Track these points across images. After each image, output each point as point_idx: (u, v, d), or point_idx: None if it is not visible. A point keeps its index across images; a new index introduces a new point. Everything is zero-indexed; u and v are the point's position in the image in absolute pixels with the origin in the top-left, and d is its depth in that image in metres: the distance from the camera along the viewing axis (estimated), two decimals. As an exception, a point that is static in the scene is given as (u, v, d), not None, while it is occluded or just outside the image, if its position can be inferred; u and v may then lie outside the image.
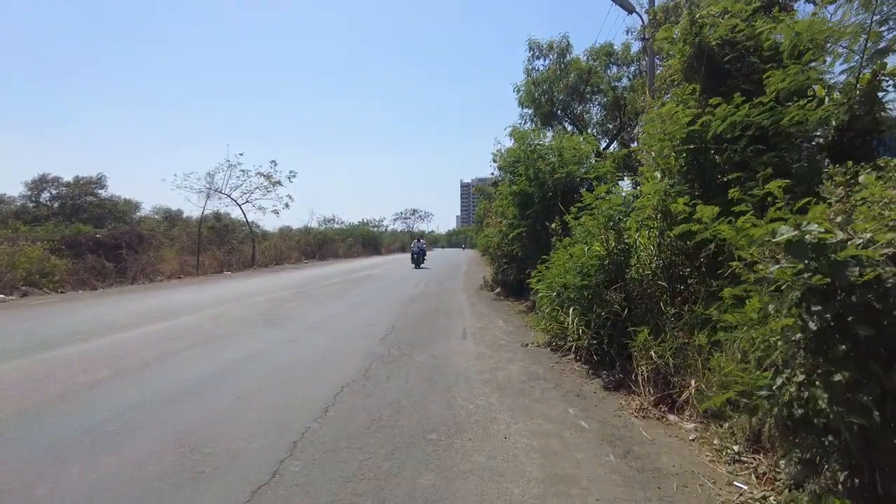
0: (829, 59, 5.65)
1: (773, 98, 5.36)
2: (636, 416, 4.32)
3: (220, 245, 27.37)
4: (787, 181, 3.43)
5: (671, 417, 4.28)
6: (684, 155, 5.92)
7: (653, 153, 6.30)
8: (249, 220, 32.33)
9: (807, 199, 3.19)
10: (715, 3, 6.58)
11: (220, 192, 26.20)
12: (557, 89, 16.29)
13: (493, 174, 27.81)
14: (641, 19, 11.78)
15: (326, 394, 4.62)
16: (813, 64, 5.51)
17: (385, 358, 6.05)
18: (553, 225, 8.72)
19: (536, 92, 16.32)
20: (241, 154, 27.11)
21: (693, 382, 4.30)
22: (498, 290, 13.98)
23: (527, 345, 6.94)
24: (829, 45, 5.59)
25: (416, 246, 26.50)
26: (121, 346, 6.54)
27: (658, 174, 5.94)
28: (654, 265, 5.92)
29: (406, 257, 41.94)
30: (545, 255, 10.59)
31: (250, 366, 5.59)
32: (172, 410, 4.19)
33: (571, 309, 6.09)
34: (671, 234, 5.71)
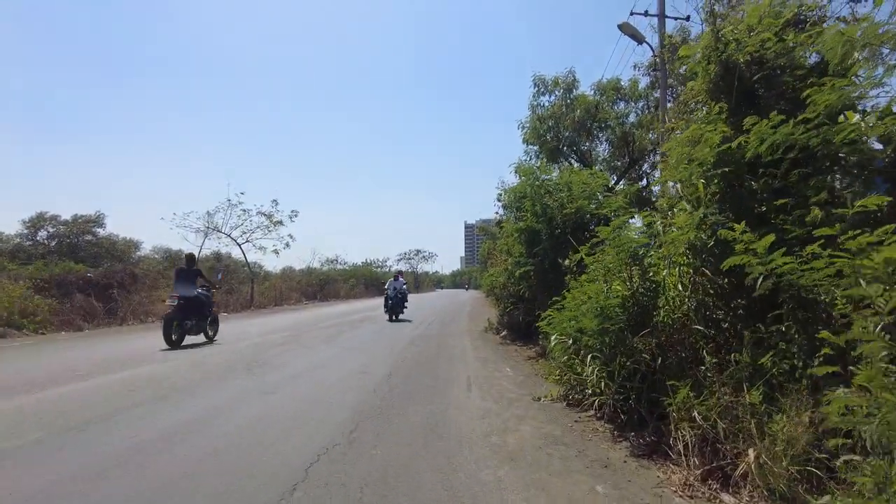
0: (880, 70, 5.01)
1: (818, 115, 4.68)
2: (681, 495, 3.46)
3: (225, 285, 26.69)
4: (888, 197, 2.69)
5: (726, 498, 3.41)
6: (716, 181, 5.22)
7: (677, 183, 5.59)
8: (250, 259, 31.81)
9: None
10: (736, 20, 5.97)
11: (219, 231, 25.68)
12: (564, 125, 15.83)
13: (497, 213, 27.26)
14: (652, 49, 11.37)
15: (297, 464, 3.76)
16: (862, 74, 4.87)
17: (375, 414, 5.20)
18: (566, 262, 7.95)
19: (542, 128, 15.86)
20: (243, 193, 26.75)
21: (751, 452, 3.46)
22: (504, 332, 13.13)
23: (539, 398, 6.08)
24: (885, 52, 4.94)
25: (393, 287, 18.16)
26: (68, 399, 5.70)
27: (687, 205, 5.21)
28: (685, 306, 5.13)
29: (410, 298, 41.30)
30: (555, 295, 9.79)
31: (208, 426, 4.73)
32: (84, 494, 3.32)
33: (590, 357, 5.26)
34: (706, 272, 4.96)
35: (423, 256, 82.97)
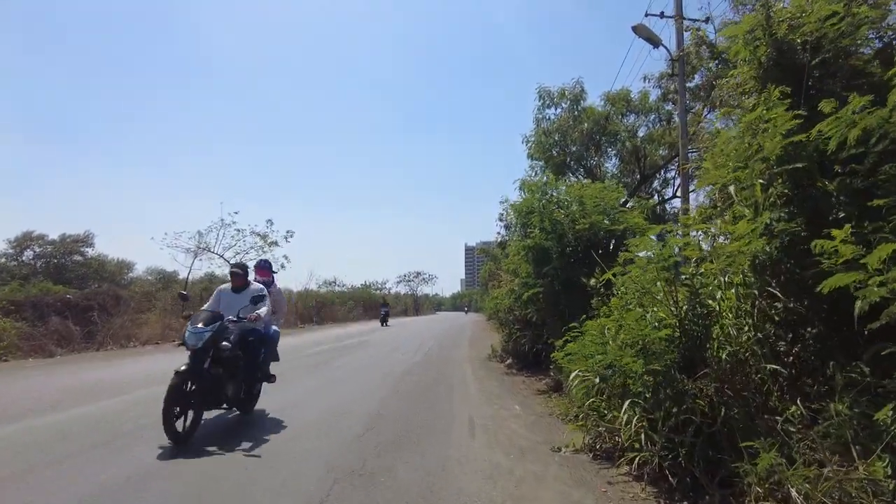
0: None
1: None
2: None
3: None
4: None
5: None
6: (780, 181, 4.22)
7: (727, 185, 4.57)
8: None
9: None
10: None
11: (211, 251, 24.65)
12: (571, 139, 14.94)
13: (499, 234, 26.31)
14: (668, 52, 10.52)
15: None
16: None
17: (354, 474, 4.09)
18: (591, 281, 6.91)
19: (548, 142, 14.96)
20: (237, 213, 25.73)
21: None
22: (509, 360, 12.02)
23: (559, 449, 4.96)
24: None
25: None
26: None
27: (746, 210, 4.19)
28: (744, 338, 4.08)
29: (406, 321, 40.16)
30: (568, 321, 8.74)
31: (128, 496, 3.65)
32: None
33: (628, 403, 4.18)
34: (775, 292, 3.93)
35: (423, 279, 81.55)
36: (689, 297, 4.16)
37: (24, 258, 26.96)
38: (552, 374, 9.30)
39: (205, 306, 6.15)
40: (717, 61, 10.02)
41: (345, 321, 39.92)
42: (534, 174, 15.58)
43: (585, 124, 14.67)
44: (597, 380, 4.81)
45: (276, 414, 6.14)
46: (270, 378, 6.64)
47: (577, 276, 9.06)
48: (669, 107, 16.15)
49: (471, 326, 30.83)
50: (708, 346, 4.13)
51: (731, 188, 4.37)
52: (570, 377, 5.09)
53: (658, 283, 4.35)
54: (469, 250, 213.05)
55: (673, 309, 4.23)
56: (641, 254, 5.12)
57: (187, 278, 23.91)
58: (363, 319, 44.21)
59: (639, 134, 15.60)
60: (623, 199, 13.67)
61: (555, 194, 10.27)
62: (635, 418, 4.12)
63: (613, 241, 9.59)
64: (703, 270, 4.32)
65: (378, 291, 61.06)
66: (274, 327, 6.83)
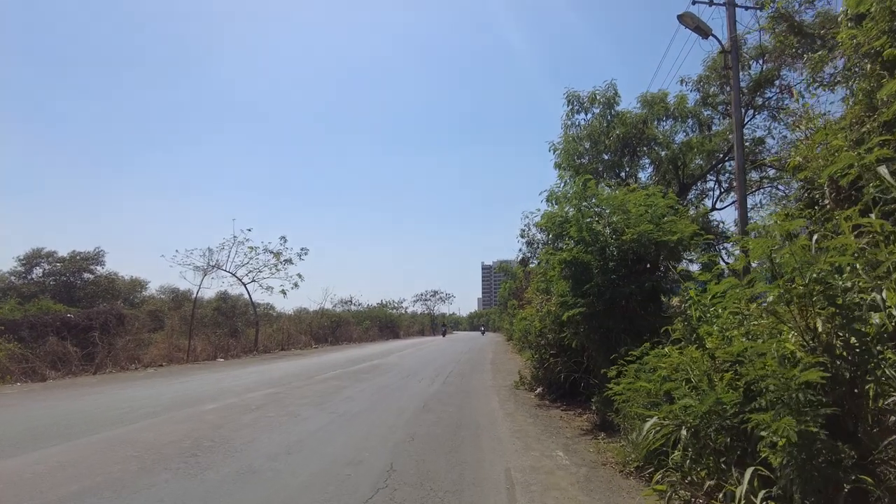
0: None
1: None
2: None
3: (227, 327, 24.69)
4: None
5: None
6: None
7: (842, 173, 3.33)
8: (262, 300, 29.96)
9: None
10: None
11: (221, 268, 23.74)
12: (603, 146, 13.72)
13: (520, 251, 25.08)
14: (720, 43, 9.33)
15: None
16: None
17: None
18: (674, 300, 5.68)
19: (578, 149, 13.75)
20: (249, 230, 24.81)
21: None
22: (539, 389, 10.70)
23: (636, 531, 3.68)
24: None
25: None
26: None
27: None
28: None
29: (423, 342, 38.91)
30: (612, 347, 7.54)
31: None
32: None
33: (750, 472, 2.90)
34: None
35: (440, 298, 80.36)
36: (839, 321, 2.88)
37: (32, 276, 26.31)
38: (595, 407, 8.00)
39: None
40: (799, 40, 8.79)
41: (361, 341, 38.78)
42: (562, 184, 14.37)
43: (618, 130, 13.45)
44: (684, 431, 3.54)
45: (270, 468, 4.92)
46: None
47: (620, 295, 7.85)
48: (708, 112, 14.90)
49: (491, 348, 29.41)
50: (862, 393, 2.86)
51: (884, 169, 3.12)
52: (646, 427, 3.79)
53: (785, 303, 3.08)
54: (486, 269, 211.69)
55: (808, 339, 2.97)
56: (754, 264, 3.87)
57: (196, 296, 22.94)
58: (379, 339, 43.03)
59: (675, 141, 14.35)
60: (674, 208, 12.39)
61: (594, 202, 9.10)
62: (759, 498, 2.84)
63: (663, 255, 8.40)
64: (849, 284, 3.05)
65: (394, 311, 59.84)
66: None
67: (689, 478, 3.62)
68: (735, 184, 17.19)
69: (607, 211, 8.78)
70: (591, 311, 7.95)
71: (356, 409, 8.28)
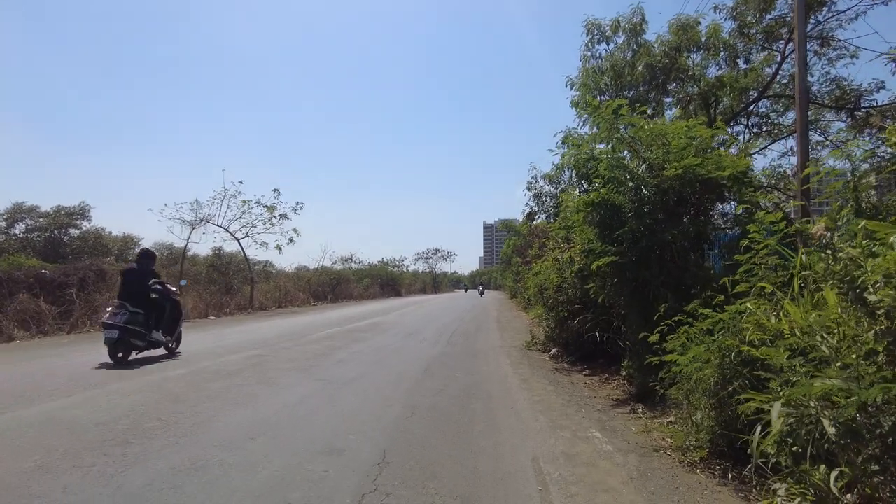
0: None
1: None
2: None
3: (222, 284, 23.54)
4: None
5: None
6: None
7: None
8: (261, 258, 28.77)
9: None
10: None
11: (211, 222, 22.40)
12: (628, 80, 12.13)
13: (527, 205, 23.64)
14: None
15: None
16: None
17: None
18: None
19: (600, 84, 12.17)
20: (241, 182, 23.29)
21: None
22: (554, 351, 9.56)
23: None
24: None
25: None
26: None
27: None
28: None
29: (424, 300, 37.90)
30: (650, 304, 6.34)
31: None
32: None
33: None
34: None
35: (442, 256, 79.13)
36: None
37: (15, 231, 25.03)
38: (626, 373, 6.85)
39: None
40: None
41: (361, 299, 37.82)
42: (580, 126, 12.86)
43: (645, 60, 11.84)
44: (828, 425, 2.30)
45: (218, 457, 3.74)
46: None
47: (658, 242, 6.61)
48: (743, 45, 13.21)
49: (496, 306, 28.37)
50: None
51: None
52: (773, 415, 2.52)
53: None
54: (488, 228, 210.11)
55: None
56: None
57: (184, 251, 21.69)
58: (380, 297, 42.10)
59: (708, 75, 12.77)
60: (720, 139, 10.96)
61: (626, 133, 7.75)
62: None
63: (709, 194, 7.12)
64: None
65: (395, 269, 58.79)
66: None
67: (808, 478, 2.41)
68: (764, 129, 15.67)
69: (642, 145, 7.45)
70: (623, 260, 6.69)
71: (348, 375, 7.11)
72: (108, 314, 7.94)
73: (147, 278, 8.57)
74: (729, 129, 15.45)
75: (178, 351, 8.91)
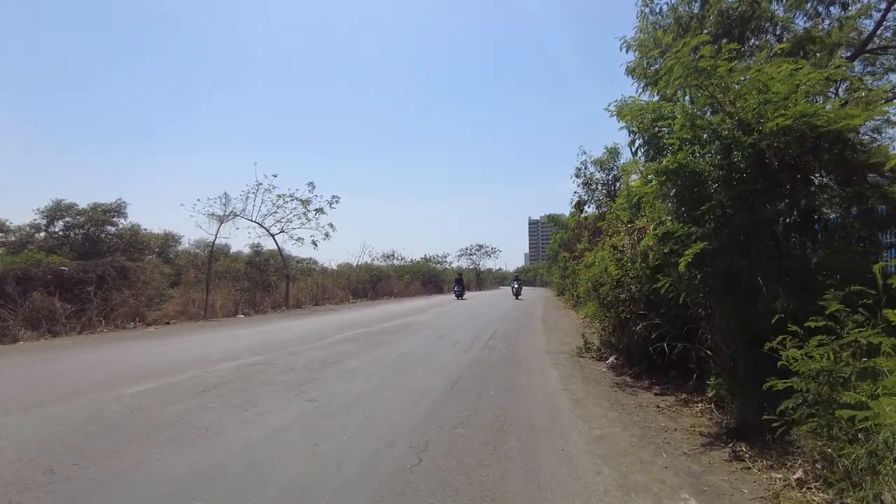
0: None
1: None
2: None
3: (258, 281, 22.76)
4: None
5: None
6: None
7: None
8: (304, 255, 28.35)
9: None
10: None
11: (242, 216, 21.51)
12: (704, 26, 10.13)
13: (575, 194, 21.75)
14: None
15: None
16: None
17: None
18: None
19: (663, 41, 10.26)
20: (275, 175, 22.28)
21: None
22: (612, 359, 7.85)
23: None
24: None
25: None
26: None
27: None
28: None
29: (468, 296, 36.10)
30: (751, 302, 4.70)
31: None
32: None
33: None
34: None
35: (486, 252, 76.97)
36: None
37: (54, 229, 24.94)
38: (714, 393, 5.14)
39: None
40: None
41: (401, 296, 36.63)
42: (640, 93, 10.97)
43: (717, 7, 9.85)
44: None
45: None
46: None
47: (761, 218, 4.96)
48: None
49: (541, 303, 26.52)
50: None
51: None
52: None
53: None
54: (533, 224, 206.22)
55: None
56: None
57: (212, 246, 20.87)
58: (422, 294, 40.83)
59: (798, 25, 10.68)
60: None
61: (711, 81, 5.95)
62: None
63: (823, 155, 5.43)
64: None
65: (438, 265, 57.45)
66: None
67: None
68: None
69: (730, 95, 5.67)
70: (712, 246, 4.96)
71: (351, 392, 5.63)
72: None
73: None
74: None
75: None
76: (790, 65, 5.26)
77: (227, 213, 20.50)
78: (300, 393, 5.55)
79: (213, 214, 20.17)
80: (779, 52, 8.90)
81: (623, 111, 6.39)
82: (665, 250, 5.20)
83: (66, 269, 14.79)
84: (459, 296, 33.25)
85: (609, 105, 6.42)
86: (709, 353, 5.59)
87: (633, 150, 6.55)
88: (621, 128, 6.53)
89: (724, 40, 6.69)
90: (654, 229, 5.43)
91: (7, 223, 24.31)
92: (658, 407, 5.42)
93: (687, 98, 5.94)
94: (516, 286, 35.12)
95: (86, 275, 14.65)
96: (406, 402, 5.24)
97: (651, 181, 5.68)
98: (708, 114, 5.85)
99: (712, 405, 5.28)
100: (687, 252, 4.69)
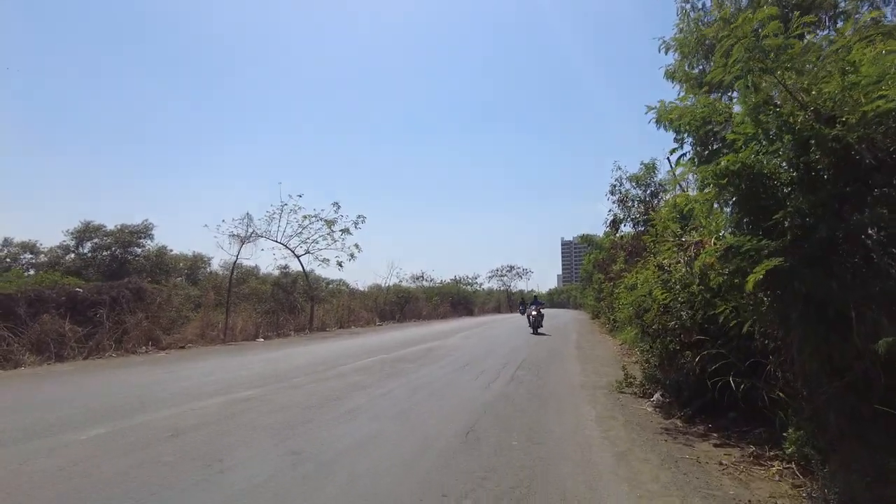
0: None
1: None
2: None
3: (283, 302, 22.29)
4: None
5: None
6: None
7: None
8: (334, 276, 28.25)
9: None
10: None
11: (264, 237, 21.07)
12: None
13: (610, 212, 20.62)
14: None
15: None
16: None
17: None
18: None
19: (709, 35, 9.24)
20: (300, 195, 21.85)
21: None
22: (657, 396, 6.74)
23: None
24: None
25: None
26: None
27: None
28: None
29: (495, 319, 34.54)
30: (840, 331, 3.49)
31: None
32: None
33: None
34: None
35: (517, 273, 75.45)
36: None
37: (83, 250, 25.02)
38: (791, 449, 4.05)
39: None
40: None
41: (429, 318, 35.70)
42: (681, 94, 9.95)
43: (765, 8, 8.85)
44: None
45: None
46: None
47: (852, 228, 3.91)
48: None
49: (575, 327, 25.19)
50: None
51: None
52: None
53: None
54: (566, 245, 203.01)
55: None
56: None
57: (233, 268, 20.38)
58: (451, 317, 39.81)
59: (861, 13, 9.57)
60: None
61: (777, 64, 4.95)
62: None
63: None
64: None
65: (468, 287, 56.36)
66: None
67: None
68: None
69: (804, 79, 4.67)
70: (787, 264, 3.92)
71: (344, 441, 4.70)
72: None
73: None
74: None
75: None
76: (881, 45, 4.23)
77: (248, 234, 20.07)
78: (283, 441, 4.64)
79: (234, 235, 19.78)
80: (868, 21, 7.72)
81: (666, 113, 5.45)
82: (730, 268, 4.17)
83: (80, 290, 14.42)
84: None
85: (648, 110, 5.48)
86: (781, 394, 4.52)
87: (680, 155, 5.56)
88: (660, 127, 5.57)
89: (797, 12, 5.63)
90: (715, 243, 4.41)
91: (38, 244, 24.49)
92: (721, 465, 4.33)
93: (750, 85, 4.92)
94: (534, 313, 20.74)
95: (100, 296, 14.23)
96: (406, 458, 4.28)
97: (707, 187, 4.68)
98: (777, 103, 4.83)
99: (792, 464, 4.18)
100: (757, 269, 3.67)
